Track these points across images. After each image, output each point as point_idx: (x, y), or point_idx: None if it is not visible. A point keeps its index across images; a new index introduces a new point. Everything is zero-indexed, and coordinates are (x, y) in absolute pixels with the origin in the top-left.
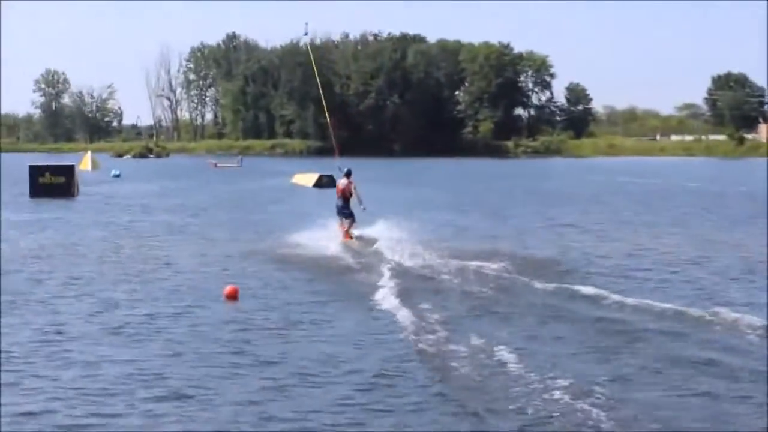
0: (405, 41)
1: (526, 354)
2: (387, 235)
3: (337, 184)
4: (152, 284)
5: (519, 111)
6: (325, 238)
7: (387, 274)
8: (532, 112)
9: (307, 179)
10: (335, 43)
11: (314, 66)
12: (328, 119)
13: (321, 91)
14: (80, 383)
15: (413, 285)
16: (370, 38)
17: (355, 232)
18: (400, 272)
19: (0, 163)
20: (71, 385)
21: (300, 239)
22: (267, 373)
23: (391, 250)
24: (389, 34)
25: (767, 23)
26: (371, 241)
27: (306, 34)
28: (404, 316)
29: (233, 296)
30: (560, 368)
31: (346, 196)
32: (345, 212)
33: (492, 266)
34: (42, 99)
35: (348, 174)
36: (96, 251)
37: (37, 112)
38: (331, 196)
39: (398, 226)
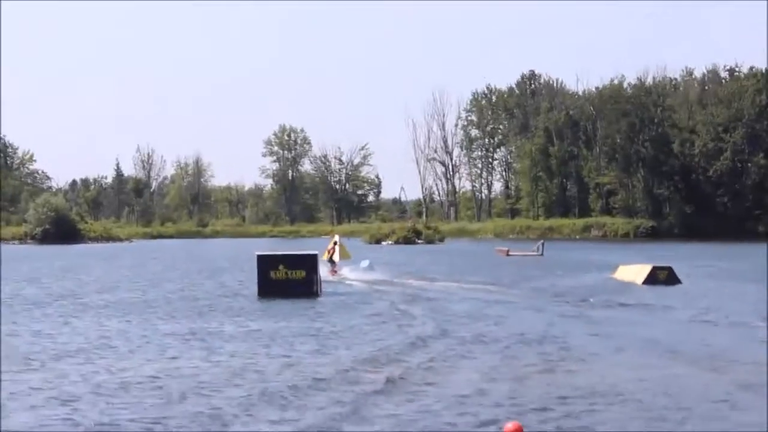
0: None
1: None
2: None
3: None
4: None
5: None
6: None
7: None
8: None
9: (634, 273)
10: (673, 82)
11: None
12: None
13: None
14: None
15: None
16: (724, 74)
17: None
18: None
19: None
20: None
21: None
22: None
23: None
24: (752, 68)
25: None
26: None
27: None
28: None
29: None
30: None
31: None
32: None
33: None
34: (275, 166)
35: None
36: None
37: (267, 184)
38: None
39: None
